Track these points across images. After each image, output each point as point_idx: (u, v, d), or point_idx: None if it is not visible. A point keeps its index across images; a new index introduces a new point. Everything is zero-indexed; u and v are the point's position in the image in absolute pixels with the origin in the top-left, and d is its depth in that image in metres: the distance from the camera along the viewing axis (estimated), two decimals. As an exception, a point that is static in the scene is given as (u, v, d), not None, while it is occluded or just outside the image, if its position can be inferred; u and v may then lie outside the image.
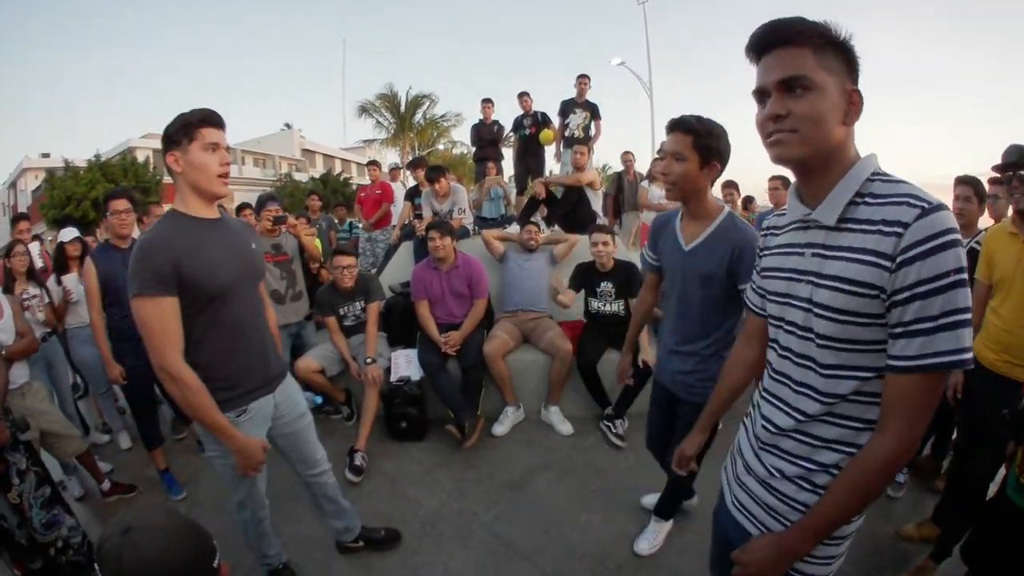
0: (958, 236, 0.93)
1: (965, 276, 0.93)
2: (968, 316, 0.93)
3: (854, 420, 1.08)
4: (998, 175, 2.90)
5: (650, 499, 2.92)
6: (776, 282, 1.21)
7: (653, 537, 2.70)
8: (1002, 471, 2.26)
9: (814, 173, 1.07)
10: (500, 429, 3.86)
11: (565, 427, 3.89)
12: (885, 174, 1.04)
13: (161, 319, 1.65)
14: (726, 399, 1.62)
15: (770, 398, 1.23)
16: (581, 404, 4.07)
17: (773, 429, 1.19)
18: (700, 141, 1.92)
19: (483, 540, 2.75)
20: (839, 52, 1.00)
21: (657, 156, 7.14)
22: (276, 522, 2.78)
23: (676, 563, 2.54)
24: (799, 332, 1.13)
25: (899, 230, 0.94)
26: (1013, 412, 1.95)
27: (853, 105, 1.02)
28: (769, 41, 1.02)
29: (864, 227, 1.00)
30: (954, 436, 2.99)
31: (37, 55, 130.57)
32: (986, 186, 2.84)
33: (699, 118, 1.97)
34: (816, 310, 1.07)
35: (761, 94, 1.05)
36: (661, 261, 2.30)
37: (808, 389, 1.12)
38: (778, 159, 1.06)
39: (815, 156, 1.02)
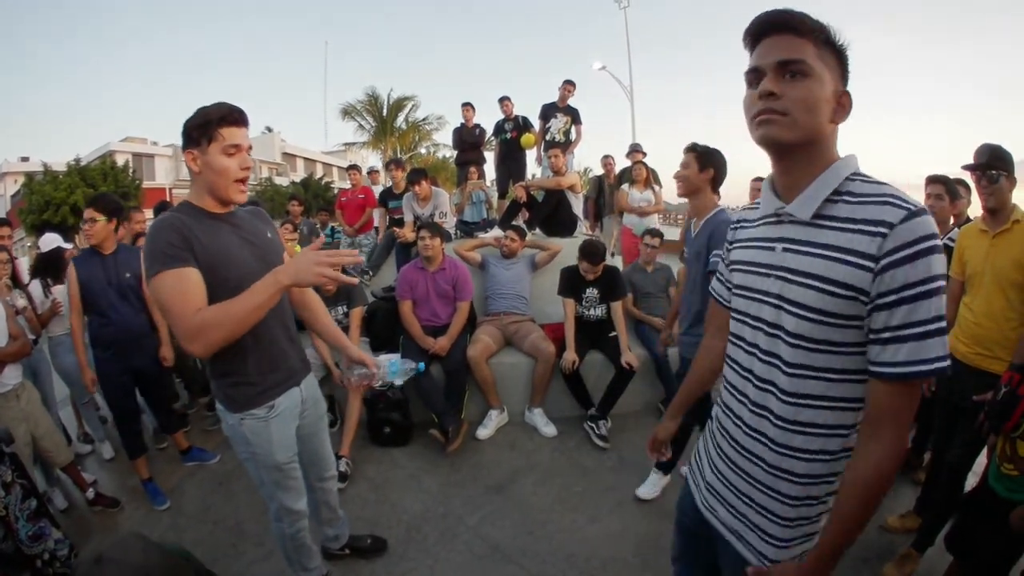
0: (940, 242, 0.93)
1: (945, 283, 0.93)
2: (946, 324, 0.94)
3: (819, 427, 1.06)
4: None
5: (643, 490, 3.13)
6: (743, 276, 1.19)
7: (653, 486, 3.13)
8: (982, 461, 2.34)
9: (795, 165, 1.05)
10: (484, 432, 3.89)
11: (549, 429, 3.93)
12: (865, 175, 1.03)
13: (179, 290, 1.54)
14: (695, 388, 1.62)
15: (739, 396, 1.21)
16: (565, 406, 4.11)
17: (745, 428, 1.17)
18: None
19: (469, 543, 2.77)
20: (835, 55, 1.01)
21: (631, 160, 7.19)
22: (260, 530, 2.82)
23: (660, 562, 2.57)
24: (767, 328, 1.11)
25: (883, 230, 0.93)
26: (989, 400, 2.01)
27: (842, 107, 1.02)
28: (771, 26, 1.01)
29: (844, 225, 0.98)
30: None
31: (14, 58, 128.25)
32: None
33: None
34: (787, 307, 1.05)
35: (754, 74, 1.03)
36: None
37: (772, 387, 1.10)
38: (764, 139, 1.03)
39: (801, 144, 1.01)
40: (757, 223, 1.19)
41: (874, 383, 0.99)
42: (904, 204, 0.93)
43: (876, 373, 0.97)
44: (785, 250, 1.08)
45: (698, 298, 2.63)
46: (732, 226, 1.32)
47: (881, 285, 0.93)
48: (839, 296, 0.97)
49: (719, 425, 1.29)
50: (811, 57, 0.97)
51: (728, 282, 1.30)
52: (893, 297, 0.92)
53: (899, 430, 0.99)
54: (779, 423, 1.09)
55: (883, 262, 0.92)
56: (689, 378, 1.63)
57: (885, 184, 0.99)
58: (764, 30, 1.01)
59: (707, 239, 2.54)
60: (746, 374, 1.18)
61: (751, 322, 1.16)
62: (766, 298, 1.11)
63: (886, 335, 0.94)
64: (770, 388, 1.11)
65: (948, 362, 0.93)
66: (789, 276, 1.05)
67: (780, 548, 1.14)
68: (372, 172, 8.80)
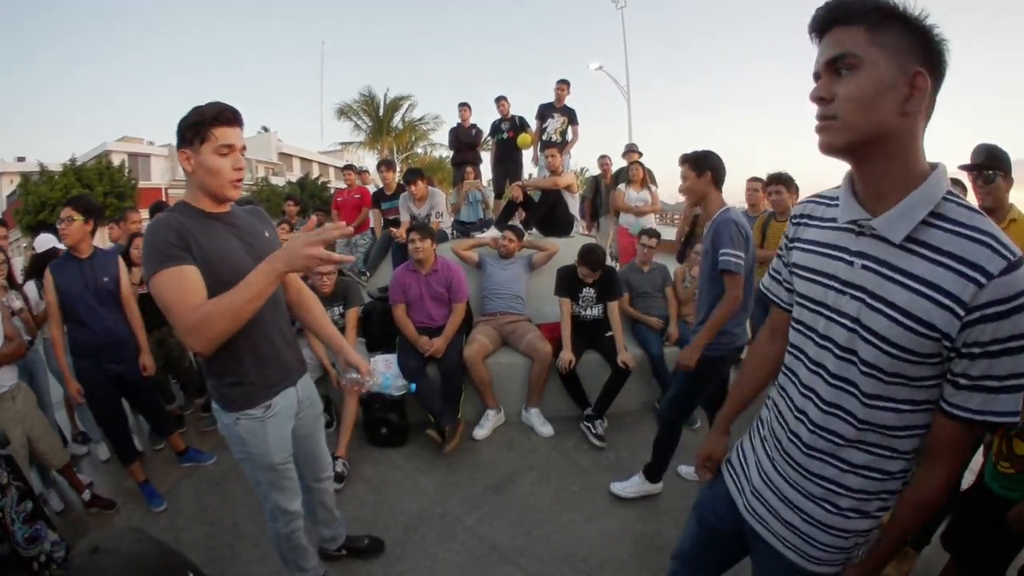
0: None
1: None
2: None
3: (884, 448, 1.05)
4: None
5: (619, 486, 3.15)
6: (809, 285, 1.11)
7: (631, 486, 3.11)
8: (978, 459, 2.35)
9: (874, 169, 0.96)
10: (481, 432, 3.89)
11: (546, 429, 3.94)
12: (956, 194, 0.93)
13: (178, 287, 1.54)
14: (747, 396, 1.51)
15: (797, 412, 1.15)
16: (561, 405, 4.11)
17: (802, 447, 1.13)
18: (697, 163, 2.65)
19: (466, 543, 2.78)
20: (905, 29, 0.88)
21: (627, 160, 7.21)
22: (257, 530, 2.82)
23: (656, 561, 2.58)
24: (837, 351, 1.05)
25: (980, 278, 0.86)
26: None
27: (916, 89, 0.88)
28: (823, 22, 0.93)
29: (936, 256, 0.91)
30: None
31: (12, 58, 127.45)
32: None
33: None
34: (864, 334, 0.99)
35: (816, 79, 0.96)
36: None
37: (841, 411, 1.06)
38: (821, 149, 0.96)
39: (861, 146, 0.93)
40: (828, 225, 1.10)
41: (940, 416, 0.99)
42: (1004, 251, 0.86)
43: (946, 411, 0.97)
44: (865, 268, 1.00)
45: (707, 296, 2.70)
46: (794, 220, 1.21)
47: (969, 336, 0.89)
48: (922, 335, 0.93)
49: (772, 436, 1.24)
50: (861, 45, 0.88)
51: (787, 283, 1.25)
52: (978, 350, 0.90)
53: (955, 461, 1.02)
54: (842, 443, 1.07)
55: (975, 314, 0.88)
56: (739, 385, 1.52)
57: (979, 213, 0.92)
58: (821, 27, 0.95)
59: (712, 238, 2.62)
60: (807, 392, 1.13)
61: (817, 339, 1.10)
62: (840, 318, 1.04)
63: (963, 381, 0.93)
64: (839, 413, 1.07)
65: (1018, 417, 0.92)
66: (870, 300, 0.98)
67: (829, 552, 1.15)
68: (362, 172, 8.76)
